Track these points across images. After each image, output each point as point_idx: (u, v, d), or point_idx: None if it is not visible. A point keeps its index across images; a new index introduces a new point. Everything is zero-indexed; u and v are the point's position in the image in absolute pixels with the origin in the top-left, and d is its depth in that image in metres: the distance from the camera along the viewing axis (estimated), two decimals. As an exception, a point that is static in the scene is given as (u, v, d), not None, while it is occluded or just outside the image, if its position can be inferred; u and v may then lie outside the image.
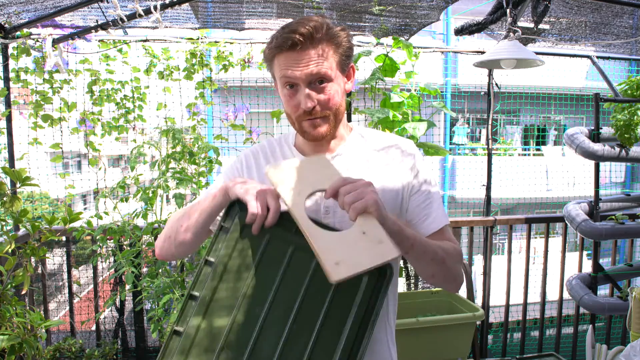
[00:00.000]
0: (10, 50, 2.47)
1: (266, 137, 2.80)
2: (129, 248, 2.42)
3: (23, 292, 1.82)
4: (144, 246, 2.44)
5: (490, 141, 3.04)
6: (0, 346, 1.61)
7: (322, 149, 1.11)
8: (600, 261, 2.66)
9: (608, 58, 3.19)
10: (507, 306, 3.04)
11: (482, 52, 2.71)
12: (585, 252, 3.28)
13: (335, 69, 1.04)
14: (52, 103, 2.60)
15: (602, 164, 2.67)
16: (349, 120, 2.61)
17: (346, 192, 0.87)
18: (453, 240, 1.10)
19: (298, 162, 0.98)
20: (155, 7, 2.07)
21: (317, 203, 1.07)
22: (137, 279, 2.35)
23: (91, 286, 2.75)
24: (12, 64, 2.51)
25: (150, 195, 2.35)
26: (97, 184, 2.75)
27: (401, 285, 2.79)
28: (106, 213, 2.48)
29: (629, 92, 2.62)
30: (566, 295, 2.78)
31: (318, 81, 1.02)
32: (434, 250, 1.00)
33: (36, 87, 2.57)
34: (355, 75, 1.13)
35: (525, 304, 3.08)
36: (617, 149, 2.60)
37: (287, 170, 0.95)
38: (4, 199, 1.76)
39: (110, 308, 2.72)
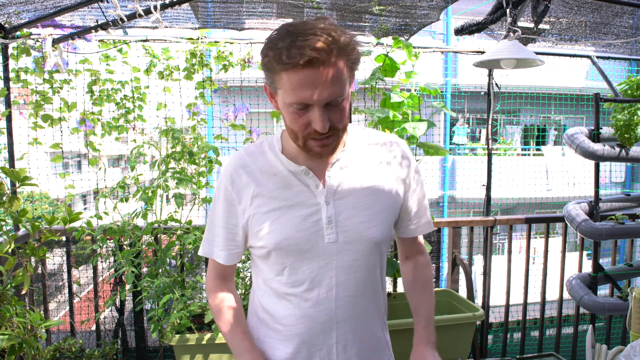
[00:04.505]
0: (10, 50, 2.47)
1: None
2: (129, 248, 2.42)
3: (23, 292, 1.82)
4: (144, 246, 2.44)
5: (490, 141, 3.04)
6: (0, 346, 1.60)
7: (322, 158, 1.05)
8: (600, 261, 2.65)
9: (608, 58, 3.18)
10: (507, 306, 3.04)
11: (482, 52, 2.70)
12: (585, 252, 3.28)
13: (347, 84, 0.95)
14: (52, 103, 2.59)
15: (602, 164, 2.67)
16: (349, 120, 2.60)
17: None
18: (422, 247, 1.27)
19: None
20: (155, 7, 2.07)
21: (318, 212, 1.04)
22: (137, 279, 2.35)
23: (91, 286, 2.74)
24: (12, 64, 2.50)
25: (150, 195, 2.34)
26: (97, 184, 2.75)
27: (401, 285, 2.78)
28: (106, 213, 2.48)
29: (629, 92, 2.62)
30: (566, 295, 2.78)
31: (333, 101, 0.93)
32: (433, 306, 1.23)
33: (36, 87, 2.57)
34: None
35: (525, 304, 3.08)
36: (617, 149, 2.60)
37: None
38: (4, 199, 1.76)
39: (110, 308, 2.71)
